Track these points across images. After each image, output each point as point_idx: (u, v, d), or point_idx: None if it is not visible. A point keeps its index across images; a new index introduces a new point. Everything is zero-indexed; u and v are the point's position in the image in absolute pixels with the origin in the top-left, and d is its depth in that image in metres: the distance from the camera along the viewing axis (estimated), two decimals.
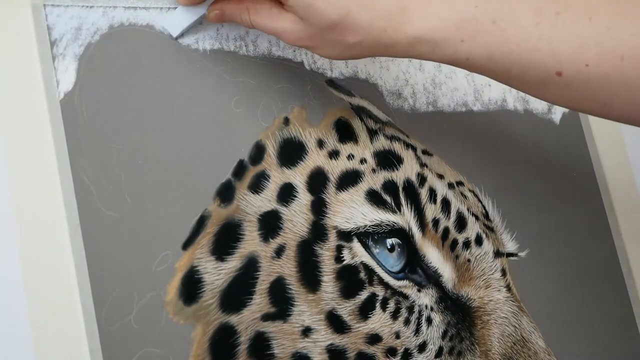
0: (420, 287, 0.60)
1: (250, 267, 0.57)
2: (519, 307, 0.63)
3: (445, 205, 0.62)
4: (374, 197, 0.60)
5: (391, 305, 0.59)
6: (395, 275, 0.59)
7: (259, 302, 0.56)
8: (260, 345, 0.56)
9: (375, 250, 0.59)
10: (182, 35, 0.59)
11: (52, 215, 0.54)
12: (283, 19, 0.56)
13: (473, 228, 0.63)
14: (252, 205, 0.58)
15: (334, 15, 0.52)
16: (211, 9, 0.59)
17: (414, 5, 0.52)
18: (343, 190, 0.60)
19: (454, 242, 0.61)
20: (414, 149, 0.64)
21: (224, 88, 0.60)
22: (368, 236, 0.59)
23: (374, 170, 0.61)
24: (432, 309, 0.60)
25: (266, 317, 0.56)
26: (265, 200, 0.58)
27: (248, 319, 0.56)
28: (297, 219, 0.58)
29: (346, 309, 0.58)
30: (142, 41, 0.58)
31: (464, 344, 0.60)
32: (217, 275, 0.56)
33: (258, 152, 0.60)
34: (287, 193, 0.59)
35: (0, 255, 0.53)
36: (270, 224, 0.58)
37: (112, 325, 0.53)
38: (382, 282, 0.59)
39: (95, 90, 0.56)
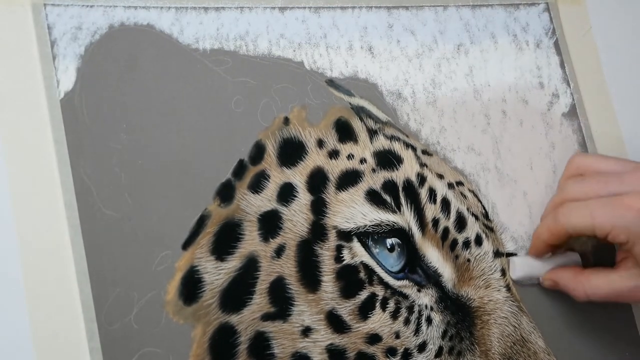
0: (420, 287, 0.60)
1: (250, 267, 0.57)
2: (518, 307, 0.63)
3: (445, 205, 0.62)
4: (373, 197, 0.60)
5: (391, 305, 0.59)
6: (395, 275, 0.59)
7: (259, 301, 0.56)
8: (261, 345, 0.56)
9: (375, 250, 0.59)
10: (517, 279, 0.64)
11: (52, 215, 0.54)
12: (620, 278, 0.59)
13: (473, 228, 0.63)
14: (252, 205, 0.58)
15: None
16: (546, 278, 0.64)
17: None
18: (343, 190, 0.60)
19: (454, 242, 0.61)
20: (414, 149, 0.64)
21: (224, 88, 0.60)
22: (368, 236, 0.59)
23: (373, 170, 0.61)
24: (432, 308, 0.60)
25: (266, 317, 0.56)
26: (265, 200, 0.58)
27: (248, 319, 0.56)
28: (297, 218, 0.58)
29: (346, 309, 0.58)
30: (143, 41, 0.58)
31: (464, 344, 0.60)
32: (217, 275, 0.56)
33: (258, 152, 0.60)
34: (287, 193, 0.59)
35: (0, 255, 0.53)
36: (270, 223, 0.58)
37: (112, 325, 0.53)
38: (382, 282, 0.59)
39: (95, 89, 0.56)
